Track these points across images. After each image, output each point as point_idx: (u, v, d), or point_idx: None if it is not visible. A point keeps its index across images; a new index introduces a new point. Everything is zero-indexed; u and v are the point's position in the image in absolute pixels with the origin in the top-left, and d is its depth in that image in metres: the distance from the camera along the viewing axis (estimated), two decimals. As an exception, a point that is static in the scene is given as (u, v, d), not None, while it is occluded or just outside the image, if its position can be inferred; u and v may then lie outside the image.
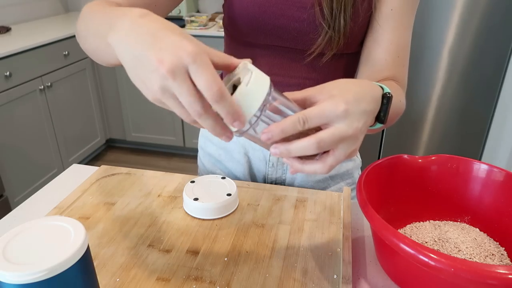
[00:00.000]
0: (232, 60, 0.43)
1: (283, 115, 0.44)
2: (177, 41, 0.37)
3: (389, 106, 0.51)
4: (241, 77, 0.42)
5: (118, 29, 0.41)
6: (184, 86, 0.37)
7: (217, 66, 0.41)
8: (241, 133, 0.44)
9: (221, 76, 0.45)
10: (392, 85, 0.65)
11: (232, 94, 0.41)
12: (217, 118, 0.40)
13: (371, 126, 0.53)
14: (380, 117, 0.51)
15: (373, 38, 0.69)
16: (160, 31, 0.38)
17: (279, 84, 0.73)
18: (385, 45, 0.67)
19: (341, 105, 0.43)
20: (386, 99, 0.50)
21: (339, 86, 0.46)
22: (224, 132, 0.41)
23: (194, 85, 0.37)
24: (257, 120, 0.42)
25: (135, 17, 0.40)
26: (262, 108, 0.42)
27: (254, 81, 0.41)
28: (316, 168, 0.45)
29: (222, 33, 2.35)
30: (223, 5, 0.74)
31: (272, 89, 0.43)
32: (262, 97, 0.41)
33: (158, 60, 0.36)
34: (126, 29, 0.40)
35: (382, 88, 0.51)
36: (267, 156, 0.80)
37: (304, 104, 0.46)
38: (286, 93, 0.46)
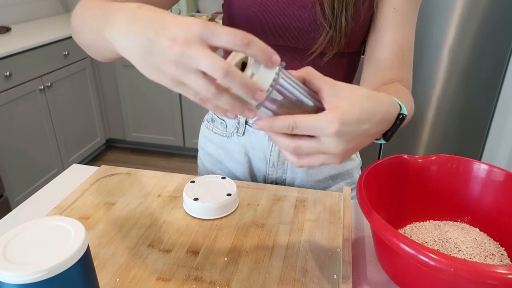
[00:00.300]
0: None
1: (293, 88, 0.43)
2: (183, 19, 0.37)
3: (400, 126, 0.50)
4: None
5: (116, 23, 0.40)
6: (202, 51, 0.36)
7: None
8: (259, 106, 0.42)
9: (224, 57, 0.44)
10: (402, 92, 0.63)
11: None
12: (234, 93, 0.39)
13: (376, 140, 0.52)
14: (387, 135, 0.50)
15: (375, 38, 0.69)
16: (162, 15, 0.38)
17: None
18: (389, 44, 0.67)
19: (334, 125, 0.41)
20: (399, 120, 0.49)
21: (352, 99, 0.43)
22: (245, 106, 0.39)
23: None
24: (272, 91, 0.41)
25: (133, 9, 0.40)
26: (276, 78, 0.41)
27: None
28: (288, 157, 0.45)
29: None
30: (223, 5, 0.74)
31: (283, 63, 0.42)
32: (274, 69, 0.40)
33: (170, 39, 0.36)
34: (126, 22, 0.39)
35: (400, 107, 0.49)
36: (268, 156, 0.80)
37: (313, 86, 0.44)
38: (302, 69, 0.45)
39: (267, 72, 0.40)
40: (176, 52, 0.36)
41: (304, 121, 0.41)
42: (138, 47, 0.38)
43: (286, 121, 0.41)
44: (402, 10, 0.66)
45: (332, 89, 0.43)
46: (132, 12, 0.40)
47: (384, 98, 0.47)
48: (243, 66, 0.43)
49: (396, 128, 0.50)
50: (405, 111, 0.50)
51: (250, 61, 0.41)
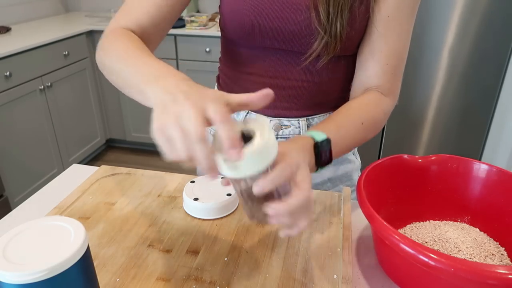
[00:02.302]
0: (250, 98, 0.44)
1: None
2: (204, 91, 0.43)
3: (324, 151, 0.57)
4: (255, 130, 0.44)
5: (159, 86, 0.44)
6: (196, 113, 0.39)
7: (235, 107, 0.44)
8: (233, 180, 0.46)
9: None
10: (357, 108, 0.68)
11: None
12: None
13: (321, 168, 0.59)
14: (321, 162, 0.57)
15: (366, 44, 0.69)
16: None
17: (276, 87, 0.72)
18: (377, 52, 0.68)
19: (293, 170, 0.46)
20: (317, 148, 0.56)
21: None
22: (213, 169, 0.40)
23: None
24: (258, 176, 0.44)
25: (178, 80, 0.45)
26: (268, 168, 0.44)
27: (272, 142, 0.44)
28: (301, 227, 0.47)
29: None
30: (219, 7, 0.74)
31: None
32: (272, 157, 0.44)
33: (186, 98, 0.40)
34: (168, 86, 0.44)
35: (313, 138, 0.57)
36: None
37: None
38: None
39: (264, 159, 0.44)
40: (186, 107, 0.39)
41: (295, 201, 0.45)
42: (166, 100, 0.41)
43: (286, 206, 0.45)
44: (396, 17, 0.66)
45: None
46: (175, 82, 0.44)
47: (291, 146, 0.52)
48: (242, 135, 0.45)
49: (322, 154, 0.57)
50: (321, 136, 0.57)
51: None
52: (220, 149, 0.41)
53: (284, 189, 0.47)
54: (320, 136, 0.58)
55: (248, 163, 0.42)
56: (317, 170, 0.59)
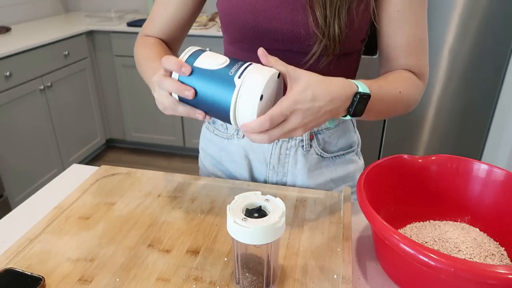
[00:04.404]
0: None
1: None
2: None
3: (359, 104, 0.58)
4: (271, 210, 0.51)
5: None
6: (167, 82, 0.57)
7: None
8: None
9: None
10: (401, 78, 0.68)
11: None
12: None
13: (343, 116, 0.60)
14: (349, 110, 0.58)
15: (385, 41, 0.70)
16: None
17: None
18: (397, 46, 0.69)
19: (291, 107, 0.52)
20: (357, 97, 0.57)
21: (307, 82, 0.54)
22: (191, 113, 0.58)
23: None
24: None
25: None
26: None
27: (281, 225, 0.50)
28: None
29: (221, 33, 2.35)
30: (217, 7, 0.74)
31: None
32: (275, 239, 0.50)
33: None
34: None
35: (358, 87, 0.58)
36: (268, 159, 0.80)
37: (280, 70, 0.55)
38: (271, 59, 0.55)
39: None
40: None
41: (275, 113, 0.52)
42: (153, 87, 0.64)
43: (264, 119, 0.51)
44: (406, 10, 0.67)
45: (294, 73, 0.54)
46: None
47: (337, 81, 0.57)
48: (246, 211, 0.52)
49: (357, 105, 0.58)
50: (365, 90, 0.58)
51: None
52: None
53: (274, 259, 0.52)
54: (364, 88, 0.59)
55: (254, 234, 0.48)
56: (345, 116, 0.60)
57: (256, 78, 0.52)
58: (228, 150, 0.83)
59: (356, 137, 0.85)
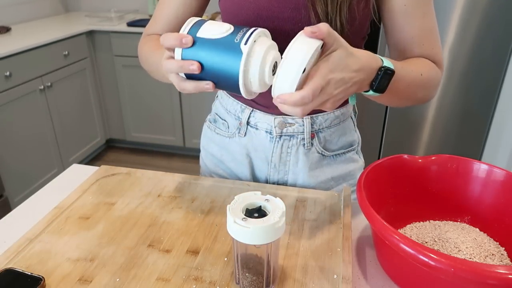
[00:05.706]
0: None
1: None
2: None
3: (384, 79, 0.57)
4: (271, 210, 0.51)
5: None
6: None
7: None
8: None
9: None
10: (419, 61, 0.68)
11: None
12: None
13: (365, 92, 0.59)
14: (373, 85, 0.57)
15: (396, 35, 0.70)
16: None
17: None
18: (408, 38, 0.69)
19: (328, 75, 0.51)
20: (381, 71, 0.57)
21: (340, 53, 0.52)
22: (199, 87, 0.55)
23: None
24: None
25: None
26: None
27: (280, 225, 0.50)
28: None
29: (222, 33, 2.34)
30: (219, 7, 0.74)
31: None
32: (274, 238, 0.50)
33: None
34: None
35: (382, 61, 0.57)
36: (269, 157, 0.80)
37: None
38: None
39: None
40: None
41: (316, 87, 0.49)
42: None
43: (307, 92, 0.49)
44: (413, 4, 0.67)
45: (332, 40, 0.52)
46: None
47: (364, 52, 0.56)
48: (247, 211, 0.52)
49: (381, 79, 0.57)
50: (389, 65, 0.57)
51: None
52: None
53: (274, 259, 0.53)
54: (389, 64, 0.58)
55: (254, 234, 0.48)
56: (367, 91, 0.59)
57: (302, 48, 0.49)
58: (229, 149, 0.83)
59: (356, 136, 0.85)
